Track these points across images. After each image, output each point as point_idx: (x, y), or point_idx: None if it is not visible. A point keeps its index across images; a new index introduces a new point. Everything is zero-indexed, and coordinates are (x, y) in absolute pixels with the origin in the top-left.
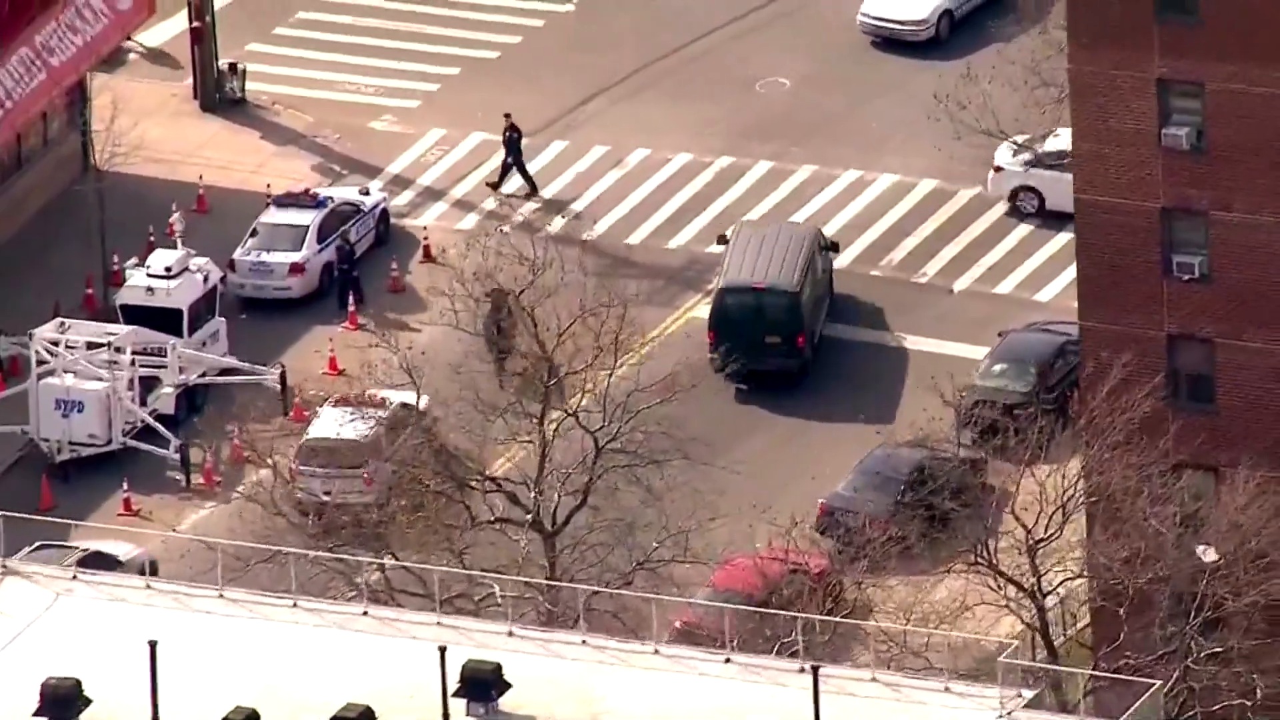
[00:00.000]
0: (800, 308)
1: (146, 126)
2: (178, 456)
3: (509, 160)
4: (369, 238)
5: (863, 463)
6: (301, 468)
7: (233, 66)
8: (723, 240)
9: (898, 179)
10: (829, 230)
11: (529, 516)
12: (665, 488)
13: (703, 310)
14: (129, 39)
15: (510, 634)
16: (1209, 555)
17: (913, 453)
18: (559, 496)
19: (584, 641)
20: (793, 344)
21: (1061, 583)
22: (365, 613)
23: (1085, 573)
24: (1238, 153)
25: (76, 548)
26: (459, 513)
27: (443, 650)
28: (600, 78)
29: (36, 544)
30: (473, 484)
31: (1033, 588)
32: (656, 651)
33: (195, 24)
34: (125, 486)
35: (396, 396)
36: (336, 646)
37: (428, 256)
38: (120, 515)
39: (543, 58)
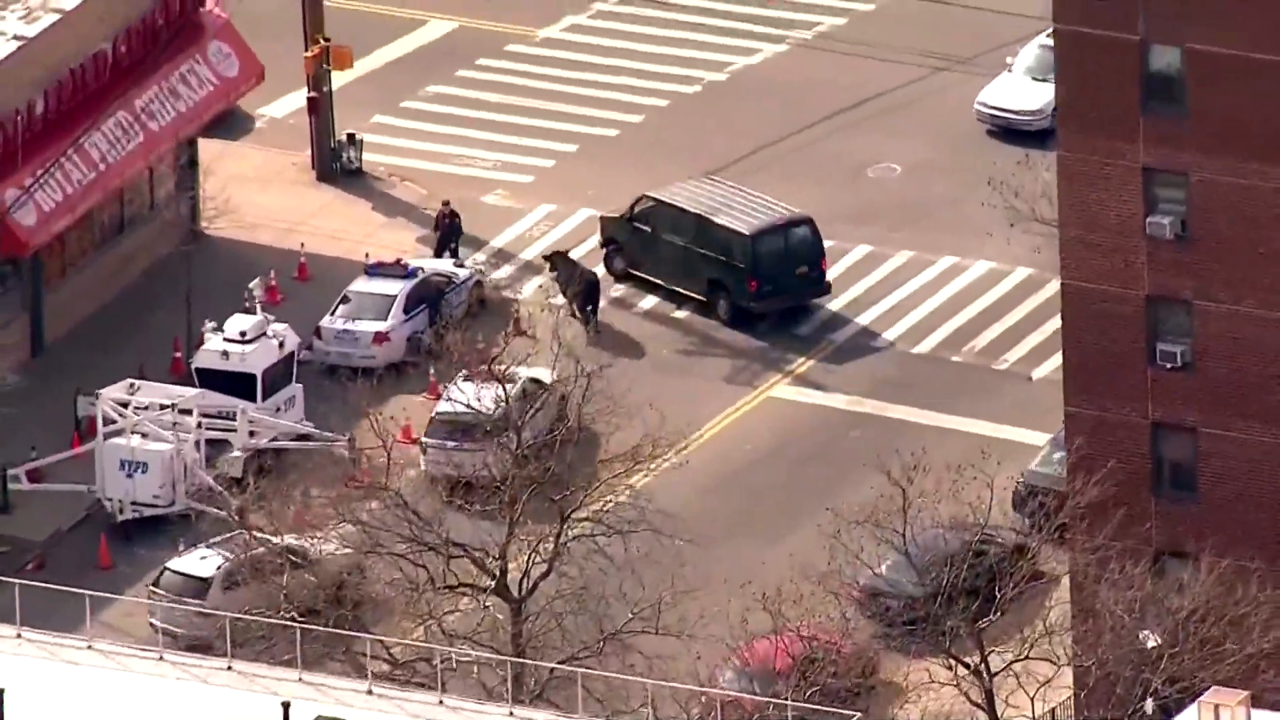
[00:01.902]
0: (819, 231)
1: (262, 194)
2: (238, 519)
3: (452, 243)
4: (460, 309)
5: (907, 544)
6: (430, 442)
7: (351, 137)
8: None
9: (993, 266)
10: (917, 317)
11: (492, 583)
12: (635, 558)
13: (782, 389)
14: (256, 110)
15: (370, 692)
16: (1150, 641)
17: (958, 535)
18: (528, 564)
19: (441, 702)
20: (819, 270)
21: (1010, 664)
22: (229, 667)
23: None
24: (1220, 243)
25: (273, 540)
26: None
27: (286, 706)
28: (714, 159)
29: (237, 531)
30: (436, 547)
31: (977, 666)
32: (511, 714)
33: (312, 94)
34: (181, 548)
35: (525, 372)
36: (198, 700)
37: (517, 330)
38: None
39: (661, 137)
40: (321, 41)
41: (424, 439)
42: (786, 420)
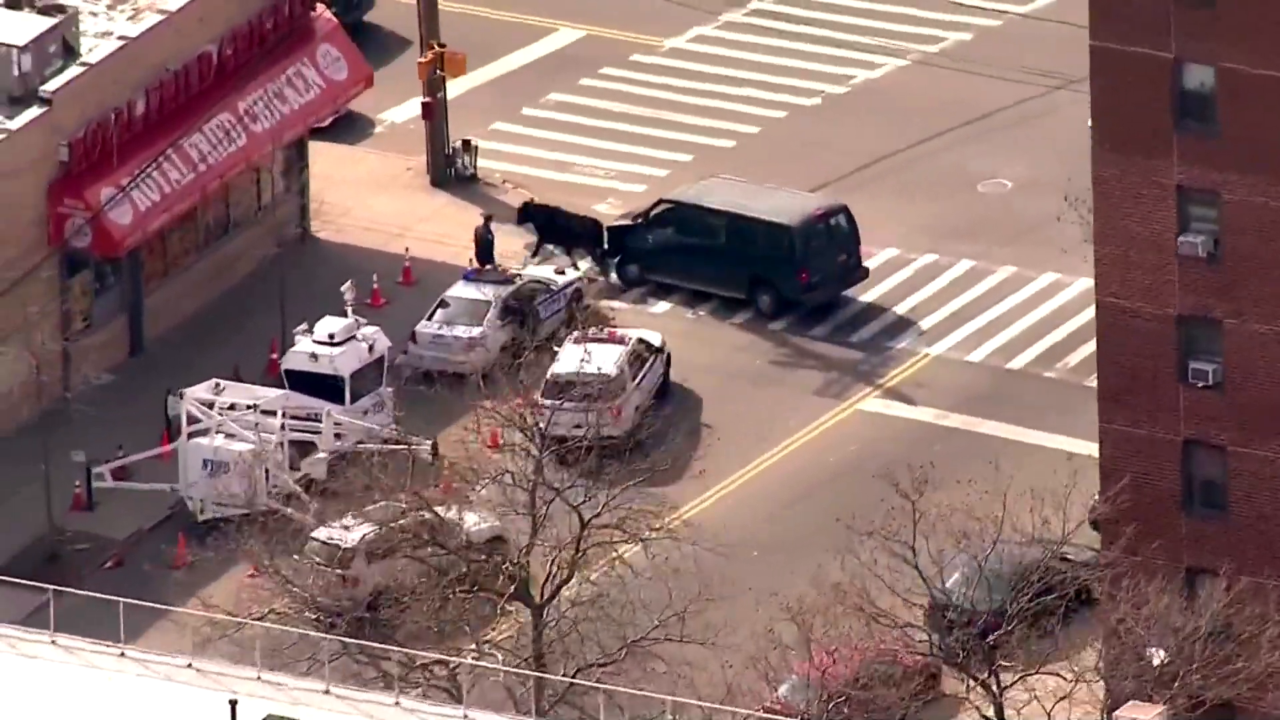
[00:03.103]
0: (853, 217)
1: (374, 198)
2: (316, 522)
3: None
4: (558, 317)
5: (975, 559)
6: (546, 402)
7: (466, 143)
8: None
9: (1092, 283)
10: (1013, 332)
11: (512, 587)
12: (677, 567)
13: (871, 403)
14: (377, 115)
15: (327, 692)
16: (1156, 658)
17: (1028, 551)
18: (550, 569)
19: (397, 703)
20: (857, 256)
21: (1019, 679)
22: (190, 665)
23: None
24: (1252, 263)
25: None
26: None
27: (234, 704)
28: (827, 171)
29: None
30: (455, 550)
31: (986, 681)
32: (465, 717)
33: (426, 100)
34: (251, 544)
35: (635, 333)
36: (159, 697)
37: (613, 338)
38: (250, 577)
39: (778, 148)
40: (436, 47)
41: (539, 399)
42: (872, 433)
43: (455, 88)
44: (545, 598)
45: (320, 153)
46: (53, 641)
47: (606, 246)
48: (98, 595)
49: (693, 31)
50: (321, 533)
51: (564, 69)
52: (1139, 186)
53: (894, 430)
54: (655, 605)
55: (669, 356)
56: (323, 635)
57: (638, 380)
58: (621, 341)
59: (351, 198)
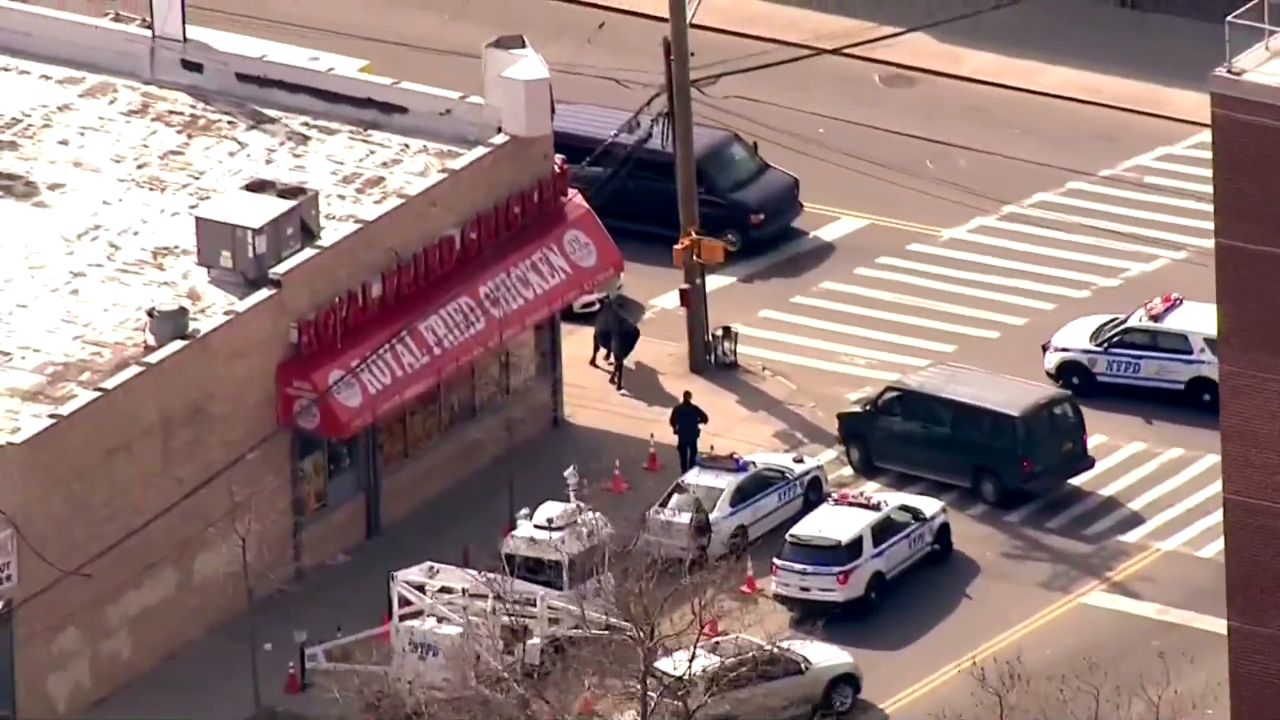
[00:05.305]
0: (1079, 407)
1: (629, 384)
2: (520, 707)
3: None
4: (793, 505)
5: None
6: (781, 562)
7: (727, 330)
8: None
9: None
10: (1175, 513)
11: None
12: None
13: (1096, 596)
14: (648, 300)
15: None
16: None
17: None
18: None
19: None
20: (1083, 445)
21: None
22: None
23: None
24: None
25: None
26: None
27: None
28: None
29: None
30: None
31: None
32: None
33: (683, 286)
34: None
35: (898, 498)
36: None
37: (867, 504)
38: None
39: (1041, 340)
40: (693, 234)
41: (776, 560)
42: (1092, 628)
43: (731, 274)
44: None
45: (579, 337)
46: None
47: (839, 434)
48: None
49: (974, 222)
50: (664, 662)
51: (841, 257)
52: (1266, 384)
53: (1114, 625)
54: None
55: (945, 525)
56: None
57: (881, 548)
58: (875, 508)
59: (606, 382)
